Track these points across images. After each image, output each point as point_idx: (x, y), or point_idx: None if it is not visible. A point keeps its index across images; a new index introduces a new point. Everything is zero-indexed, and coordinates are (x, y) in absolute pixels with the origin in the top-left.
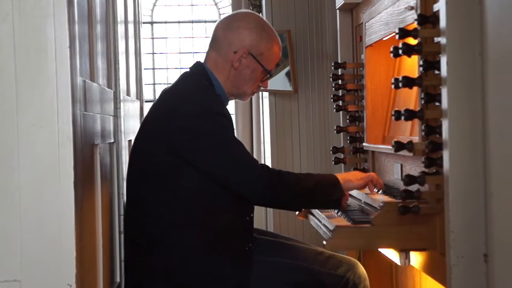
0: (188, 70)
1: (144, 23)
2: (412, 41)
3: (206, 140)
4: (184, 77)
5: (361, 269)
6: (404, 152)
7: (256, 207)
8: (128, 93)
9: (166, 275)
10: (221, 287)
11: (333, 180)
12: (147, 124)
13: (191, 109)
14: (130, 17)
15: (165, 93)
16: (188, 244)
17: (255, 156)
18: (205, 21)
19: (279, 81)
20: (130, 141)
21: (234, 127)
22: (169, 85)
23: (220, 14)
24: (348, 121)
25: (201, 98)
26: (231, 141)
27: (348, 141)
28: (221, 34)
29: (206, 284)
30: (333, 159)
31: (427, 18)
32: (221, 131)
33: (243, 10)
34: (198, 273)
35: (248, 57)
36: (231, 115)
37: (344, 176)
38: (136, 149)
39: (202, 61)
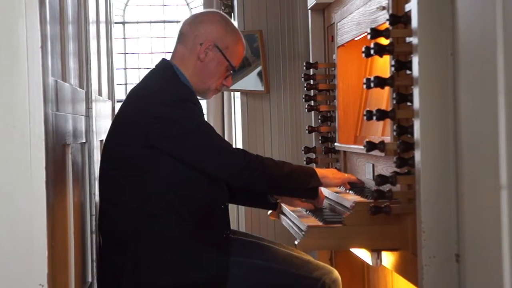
0: (153, 67)
1: (116, 23)
2: (383, 41)
3: (179, 127)
4: (149, 74)
5: (337, 275)
6: (375, 152)
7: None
8: (100, 93)
9: (146, 267)
10: (200, 276)
11: (310, 170)
12: (118, 122)
13: (160, 99)
14: (102, 17)
15: (133, 91)
16: (166, 234)
17: None
18: (177, 21)
19: (251, 81)
20: (102, 141)
21: None
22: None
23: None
24: (319, 121)
25: (168, 87)
26: (204, 126)
27: (320, 141)
28: (187, 28)
29: (186, 273)
30: (304, 159)
31: (399, 18)
32: (192, 116)
33: (209, 9)
34: (177, 263)
35: (214, 49)
36: (203, 114)
37: (322, 171)
38: (108, 148)
39: (169, 59)
